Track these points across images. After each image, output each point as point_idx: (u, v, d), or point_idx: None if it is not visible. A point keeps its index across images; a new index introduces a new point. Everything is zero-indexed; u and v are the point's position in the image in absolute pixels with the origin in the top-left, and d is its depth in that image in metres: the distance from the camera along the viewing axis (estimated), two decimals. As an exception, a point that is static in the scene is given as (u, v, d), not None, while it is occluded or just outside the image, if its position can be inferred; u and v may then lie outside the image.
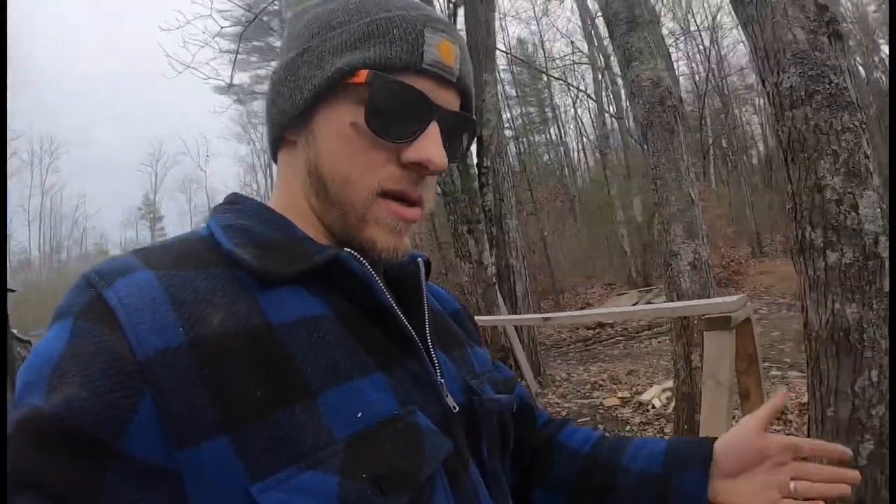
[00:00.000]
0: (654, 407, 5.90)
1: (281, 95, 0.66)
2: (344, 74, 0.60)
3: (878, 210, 2.01)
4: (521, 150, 26.67)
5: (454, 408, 0.63)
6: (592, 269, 19.48)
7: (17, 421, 0.44)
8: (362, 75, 0.59)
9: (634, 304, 12.48)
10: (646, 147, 4.39)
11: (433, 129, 0.62)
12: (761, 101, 24.91)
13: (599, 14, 18.64)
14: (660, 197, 4.27)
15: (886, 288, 1.98)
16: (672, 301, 4.38)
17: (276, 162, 0.72)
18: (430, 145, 0.61)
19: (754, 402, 2.52)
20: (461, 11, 8.58)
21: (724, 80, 21.89)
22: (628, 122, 18.93)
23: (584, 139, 26.81)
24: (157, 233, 38.04)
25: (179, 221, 46.95)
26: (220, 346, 0.48)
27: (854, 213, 2.01)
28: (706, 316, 2.37)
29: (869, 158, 2.04)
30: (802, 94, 2.08)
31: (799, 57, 2.09)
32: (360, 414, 0.52)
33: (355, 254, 0.61)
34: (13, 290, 18.58)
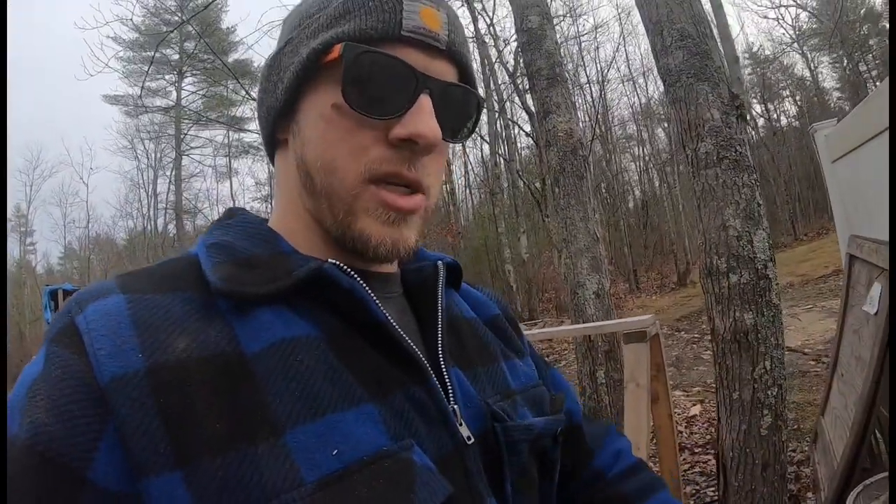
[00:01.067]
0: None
1: (266, 92, 0.63)
2: (318, 54, 0.56)
3: (767, 244, 2.70)
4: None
5: (468, 439, 0.57)
6: None
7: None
8: (336, 49, 0.55)
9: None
10: (557, 190, 4.73)
11: (424, 101, 0.56)
12: (640, 149, 27.29)
13: (497, 62, 19.78)
14: (568, 234, 4.61)
15: (774, 300, 2.69)
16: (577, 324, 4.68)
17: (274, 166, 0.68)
18: (419, 117, 0.55)
19: (662, 403, 2.88)
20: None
21: (608, 130, 23.80)
22: (517, 164, 20.05)
23: (471, 178, 27.56)
24: (27, 248, 34.61)
25: (53, 236, 43.05)
26: (180, 373, 0.45)
27: (750, 246, 2.68)
28: (626, 331, 2.74)
29: (761, 206, 2.73)
30: (715, 158, 2.77)
31: (714, 130, 2.78)
32: (335, 451, 0.47)
33: (341, 265, 0.57)
34: None
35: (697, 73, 2.88)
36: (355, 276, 0.57)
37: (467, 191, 28.25)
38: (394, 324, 0.56)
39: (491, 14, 19.80)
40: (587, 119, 20.55)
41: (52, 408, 0.43)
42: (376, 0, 0.56)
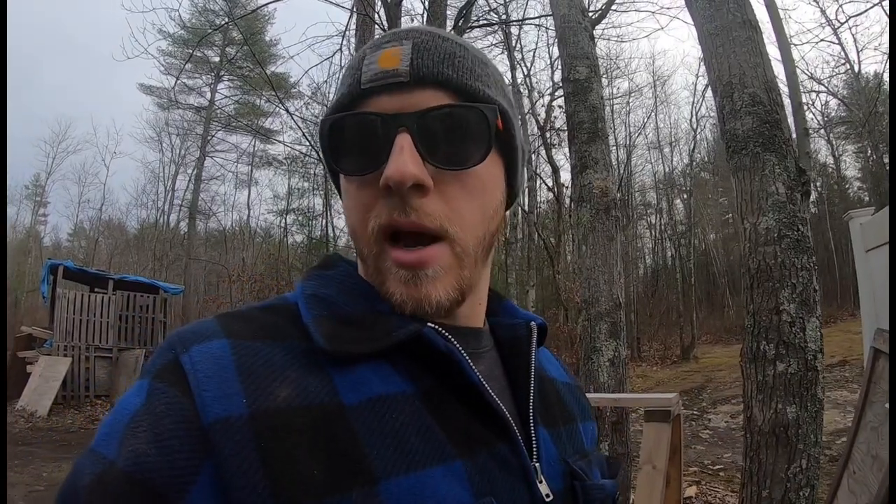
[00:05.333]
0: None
1: (329, 172, 0.65)
2: (322, 136, 0.60)
3: (819, 333, 2.52)
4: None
5: (547, 496, 0.58)
6: None
7: (93, 473, 0.46)
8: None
9: None
10: (584, 248, 4.62)
11: (398, 140, 0.54)
12: (657, 218, 27.24)
13: (529, 113, 19.93)
14: (590, 296, 4.49)
15: (819, 395, 2.49)
16: (588, 393, 4.58)
17: None
18: (390, 159, 0.54)
19: (674, 487, 2.73)
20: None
21: (629, 195, 23.80)
22: (535, 217, 20.03)
23: None
24: (39, 219, 34.88)
25: (66, 212, 43.65)
26: (281, 420, 0.47)
27: (802, 334, 2.50)
28: (649, 408, 2.61)
29: (817, 292, 2.56)
30: (776, 235, 2.61)
31: (777, 206, 2.62)
32: None
33: (439, 328, 0.57)
34: None
35: (766, 143, 2.73)
36: (452, 339, 0.57)
37: None
38: (485, 384, 0.57)
39: (529, 65, 19.99)
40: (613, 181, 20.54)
41: (153, 440, 0.45)
42: (349, 69, 0.60)
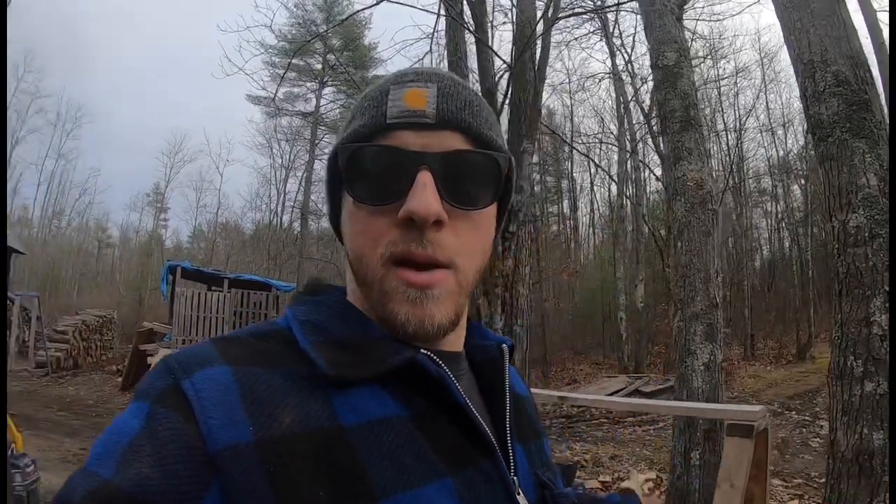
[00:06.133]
0: (635, 496, 5.86)
1: (328, 193, 0.70)
2: (332, 161, 0.64)
3: None
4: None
5: None
6: (581, 345, 19.35)
7: (87, 490, 0.46)
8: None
9: (621, 390, 12.41)
10: (679, 245, 4.46)
11: (420, 177, 0.58)
12: (773, 206, 25.46)
13: (633, 100, 19.20)
14: (685, 295, 4.32)
15: (912, 421, 2.15)
16: (681, 398, 4.42)
17: None
18: (413, 194, 0.57)
19: None
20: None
21: (742, 182, 22.37)
22: (644, 208, 19.26)
23: (597, 216, 26.54)
24: (160, 223, 38.16)
25: (185, 216, 48.03)
26: (287, 446, 0.49)
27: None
28: (731, 422, 2.47)
29: None
30: (867, 234, 2.28)
31: (868, 201, 2.30)
32: None
33: (431, 355, 0.60)
34: (19, 252, 18.64)
35: (854, 128, 2.40)
36: (442, 365, 0.61)
37: (591, 229, 27.52)
38: (471, 406, 0.61)
39: (629, 50, 19.24)
40: (721, 168, 19.48)
41: (157, 465, 0.46)
42: (369, 99, 0.63)
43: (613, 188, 21.56)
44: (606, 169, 21.95)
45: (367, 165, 0.60)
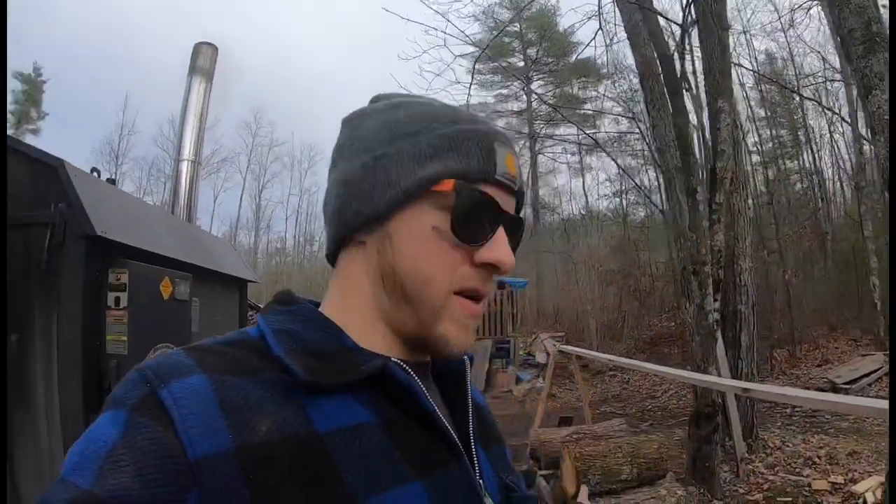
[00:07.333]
0: (865, 502, 4.92)
1: (355, 197, 0.68)
2: (430, 183, 0.65)
3: None
4: (771, 177, 23.15)
5: None
6: (838, 319, 15.73)
7: (66, 500, 0.46)
8: (449, 184, 0.64)
9: (874, 371, 10.60)
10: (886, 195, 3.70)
11: (502, 233, 0.67)
12: None
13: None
14: None
15: None
16: None
17: (331, 261, 0.75)
18: (500, 247, 0.66)
19: None
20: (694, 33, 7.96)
21: None
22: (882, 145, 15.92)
23: (840, 168, 22.48)
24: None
25: None
26: (265, 452, 0.51)
27: None
28: None
29: None
30: None
31: None
32: None
33: (401, 363, 0.64)
34: (253, 282, 21.44)
35: None
36: (412, 373, 0.65)
37: (838, 184, 23.12)
38: (438, 412, 0.65)
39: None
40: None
41: (137, 475, 0.47)
42: (473, 142, 0.67)
43: (848, 131, 18.21)
44: (837, 111, 18.47)
45: (473, 208, 0.65)
